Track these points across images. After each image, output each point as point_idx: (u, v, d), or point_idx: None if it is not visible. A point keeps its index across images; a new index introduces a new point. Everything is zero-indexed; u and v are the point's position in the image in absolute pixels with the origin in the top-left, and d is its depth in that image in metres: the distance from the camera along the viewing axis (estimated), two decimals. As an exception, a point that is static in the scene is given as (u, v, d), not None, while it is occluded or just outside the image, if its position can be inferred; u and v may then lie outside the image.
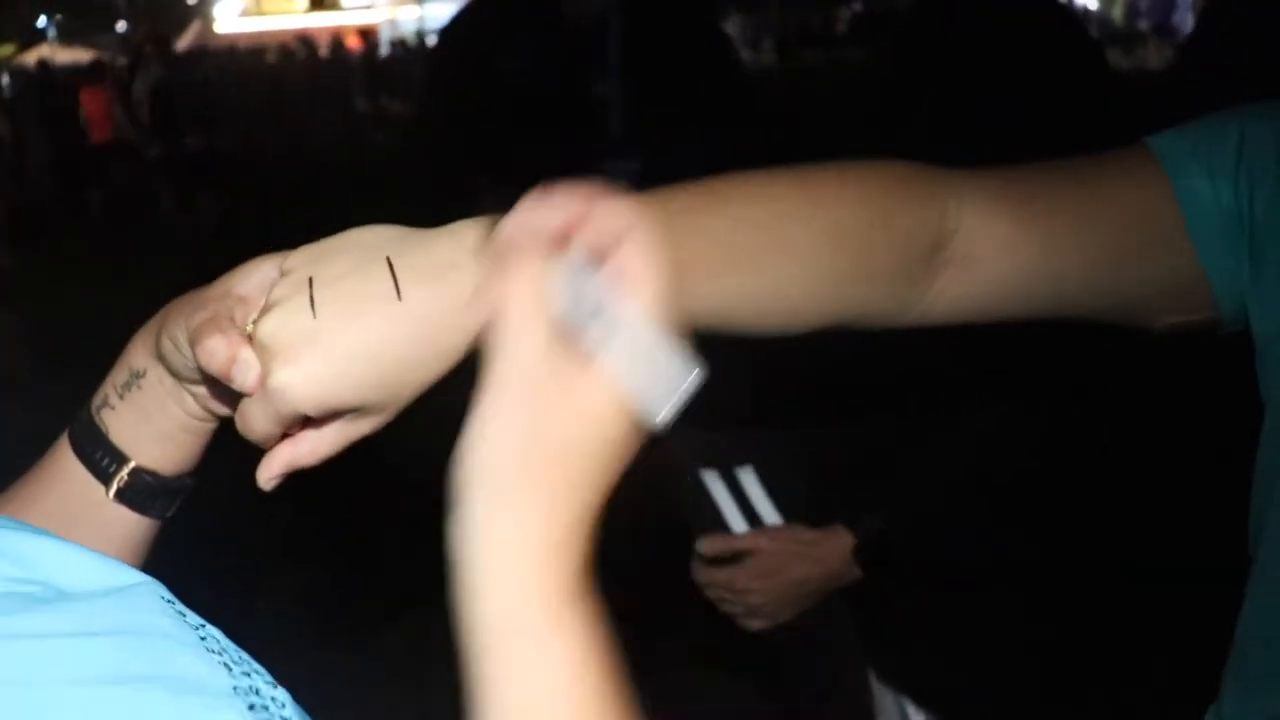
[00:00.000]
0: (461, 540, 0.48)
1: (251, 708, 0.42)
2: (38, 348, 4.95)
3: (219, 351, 0.55)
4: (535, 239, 0.50)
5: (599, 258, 0.50)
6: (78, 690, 0.39)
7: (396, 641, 2.45)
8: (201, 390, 0.63)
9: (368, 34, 13.76)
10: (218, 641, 0.46)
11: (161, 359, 0.62)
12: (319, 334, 0.56)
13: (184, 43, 27.50)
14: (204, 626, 0.47)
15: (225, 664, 0.44)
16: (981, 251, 0.72)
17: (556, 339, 0.48)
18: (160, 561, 0.69)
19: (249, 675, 0.44)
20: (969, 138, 1.28)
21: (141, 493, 0.66)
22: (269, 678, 0.46)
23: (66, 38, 26.17)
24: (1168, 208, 0.72)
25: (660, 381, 0.44)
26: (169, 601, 0.47)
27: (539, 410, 0.48)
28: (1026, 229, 0.72)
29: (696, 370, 0.44)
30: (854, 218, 0.69)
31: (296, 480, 0.61)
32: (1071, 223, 0.73)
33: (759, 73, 15.17)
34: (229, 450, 0.64)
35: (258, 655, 0.48)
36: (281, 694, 0.45)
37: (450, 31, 2.17)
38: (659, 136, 1.85)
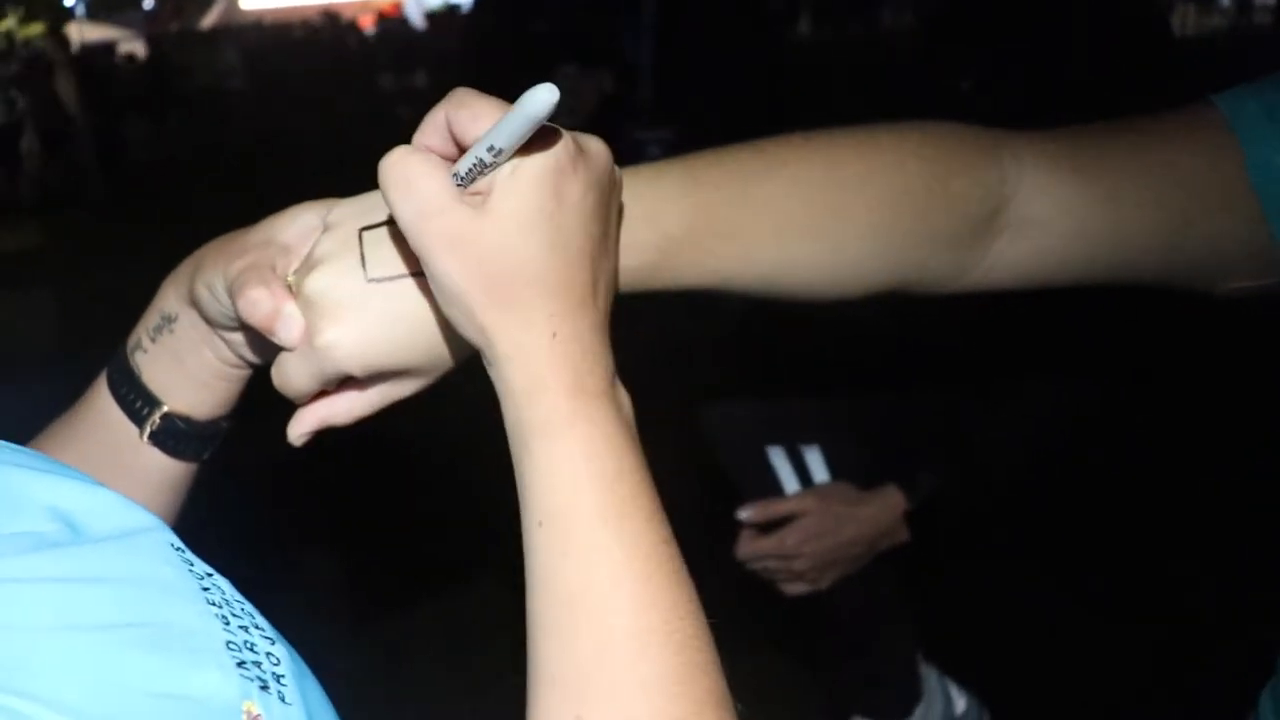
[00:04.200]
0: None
1: (241, 664, 0.41)
2: (66, 325, 4.99)
3: (262, 303, 0.54)
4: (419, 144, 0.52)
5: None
6: (58, 636, 0.38)
7: (426, 620, 2.45)
8: (237, 337, 0.62)
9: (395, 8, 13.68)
10: (222, 593, 0.45)
11: (196, 304, 0.61)
12: (370, 295, 0.54)
13: (209, 20, 27.60)
14: (210, 576, 0.46)
15: (223, 616, 0.43)
16: (1041, 215, 0.69)
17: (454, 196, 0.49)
18: (202, 524, 0.68)
19: (246, 630, 0.44)
20: (1018, 98, 1.25)
21: (174, 437, 0.65)
22: (271, 633, 0.45)
23: (94, 15, 26.33)
24: (1234, 170, 0.69)
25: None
26: (178, 549, 0.47)
27: (466, 243, 0.49)
28: (1086, 192, 0.70)
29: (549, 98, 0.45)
30: (912, 181, 0.66)
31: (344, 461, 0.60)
32: (1133, 186, 0.70)
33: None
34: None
35: (286, 624, 0.46)
36: (280, 650, 0.44)
37: None
38: (692, 104, 1.82)
